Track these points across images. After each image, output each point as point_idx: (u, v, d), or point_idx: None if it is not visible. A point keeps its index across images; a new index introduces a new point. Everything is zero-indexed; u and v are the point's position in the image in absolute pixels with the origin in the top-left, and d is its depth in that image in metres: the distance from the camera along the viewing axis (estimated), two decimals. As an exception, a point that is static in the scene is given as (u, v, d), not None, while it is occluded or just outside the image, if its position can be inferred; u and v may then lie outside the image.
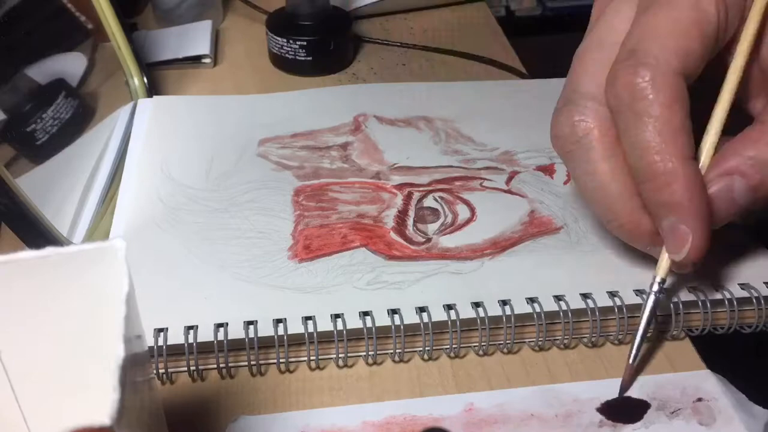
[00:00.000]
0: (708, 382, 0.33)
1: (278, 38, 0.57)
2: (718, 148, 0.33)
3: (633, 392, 0.33)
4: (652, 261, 0.38)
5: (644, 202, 0.32)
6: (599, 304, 0.34)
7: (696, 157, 0.32)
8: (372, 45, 0.62)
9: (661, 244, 0.33)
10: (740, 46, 0.32)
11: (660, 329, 0.35)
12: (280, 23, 0.58)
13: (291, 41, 0.56)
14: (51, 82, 0.45)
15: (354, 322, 0.34)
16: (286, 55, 0.57)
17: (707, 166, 0.33)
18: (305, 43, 0.56)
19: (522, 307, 0.34)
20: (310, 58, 0.57)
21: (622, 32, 0.33)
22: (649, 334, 0.34)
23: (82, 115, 0.46)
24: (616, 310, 0.34)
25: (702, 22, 0.31)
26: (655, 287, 0.33)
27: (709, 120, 0.33)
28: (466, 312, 0.34)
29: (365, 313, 0.34)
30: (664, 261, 0.33)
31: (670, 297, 0.35)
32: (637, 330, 0.33)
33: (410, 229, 0.40)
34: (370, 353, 0.34)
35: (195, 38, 0.60)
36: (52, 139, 0.42)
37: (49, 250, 0.22)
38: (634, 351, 0.33)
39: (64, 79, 0.46)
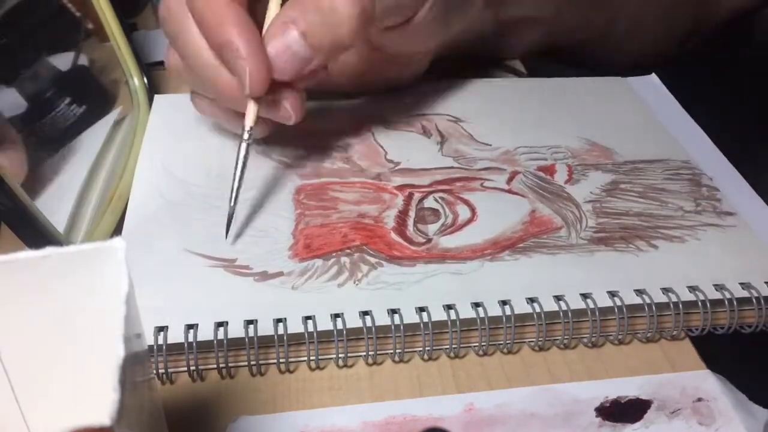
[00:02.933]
0: (708, 382, 0.33)
1: None
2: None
3: (633, 392, 0.33)
4: (652, 261, 0.38)
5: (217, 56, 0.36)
6: (599, 304, 0.35)
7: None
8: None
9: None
10: None
11: (660, 329, 0.35)
12: None
13: None
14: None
15: (354, 322, 0.34)
16: None
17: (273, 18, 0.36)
18: None
19: (522, 307, 0.34)
20: None
21: None
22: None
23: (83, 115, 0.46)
24: (616, 310, 0.35)
25: None
26: (245, 135, 0.38)
27: None
28: (466, 312, 0.34)
29: (365, 313, 0.34)
30: (251, 110, 0.37)
31: (670, 297, 0.35)
32: (233, 178, 0.38)
33: (411, 230, 0.40)
34: (370, 353, 0.34)
35: (195, 38, 0.60)
36: (52, 138, 0.42)
37: (49, 250, 0.22)
38: (233, 195, 0.38)
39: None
